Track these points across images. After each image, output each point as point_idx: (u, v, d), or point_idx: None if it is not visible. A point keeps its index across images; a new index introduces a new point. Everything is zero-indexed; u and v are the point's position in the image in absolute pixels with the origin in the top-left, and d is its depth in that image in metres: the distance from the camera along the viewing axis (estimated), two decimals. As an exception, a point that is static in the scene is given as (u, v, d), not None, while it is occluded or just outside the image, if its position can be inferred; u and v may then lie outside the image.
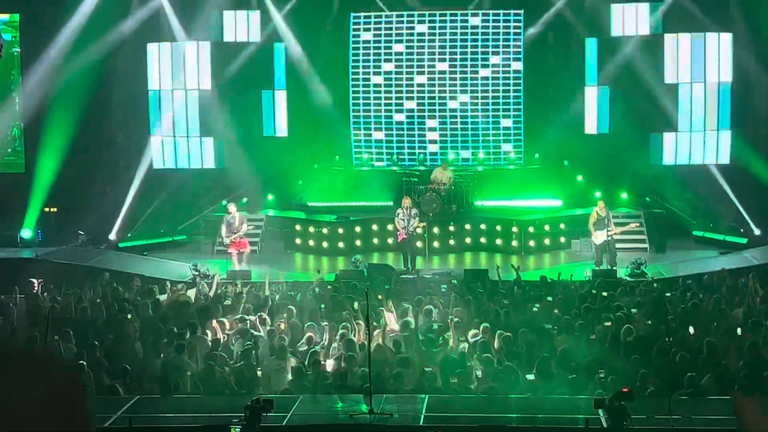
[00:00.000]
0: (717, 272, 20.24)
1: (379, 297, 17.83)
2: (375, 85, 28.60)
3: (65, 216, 25.92)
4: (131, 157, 27.55)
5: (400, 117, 28.62)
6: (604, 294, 18.33)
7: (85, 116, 25.44)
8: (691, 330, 15.62)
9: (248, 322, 16.58)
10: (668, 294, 18.13)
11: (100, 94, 26.00)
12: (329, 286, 19.81)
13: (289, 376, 14.33)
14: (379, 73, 28.55)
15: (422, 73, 28.41)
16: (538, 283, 19.76)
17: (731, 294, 18.35)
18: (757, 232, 24.93)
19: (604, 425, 11.51)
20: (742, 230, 25.20)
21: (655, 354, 14.49)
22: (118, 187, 26.72)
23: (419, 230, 23.61)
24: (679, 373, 13.77)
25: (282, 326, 16.24)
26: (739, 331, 15.67)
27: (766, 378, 13.72)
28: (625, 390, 11.04)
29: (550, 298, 18.10)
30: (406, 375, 14.05)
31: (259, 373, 14.43)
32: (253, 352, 15.02)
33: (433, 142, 28.54)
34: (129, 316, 17.07)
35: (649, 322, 16.12)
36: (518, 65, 28.18)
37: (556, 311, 17.27)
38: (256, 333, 16.13)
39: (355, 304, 17.53)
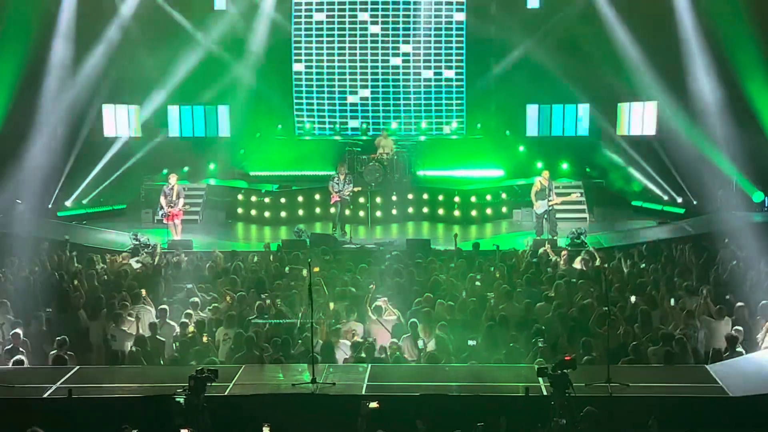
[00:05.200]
0: (654, 242, 20.53)
1: (316, 269, 17.69)
2: (317, 54, 28.46)
3: (2, 184, 25.48)
4: (71, 124, 27.16)
5: (342, 86, 28.54)
6: (549, 270, 18.43)
7: (23, 82, 25.01)
8: (633, 299, 15.87)
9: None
10: (606, 265, 18.34)
11: (38, 58, 25.56)
12: (270, 257, 19.75)
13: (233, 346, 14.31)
14: (321, 43, 28.41)
15: (365, 42, 28.32)
16: (476, 252, 19.88)
17: (669, 264, 18.63)
18: (694, 202, 25.35)
19: (544, 393, 11.67)
20: (680, 200, 25.58)
21: (594, 322, 14.70)
22: (57, 155, 26.33)
23: (351, 194, 23.74)
24: (617, 341, 14.00)
25: (228, 298, 16.19)
26: (672, 301, 15.92)
27: (697, 347, 14.04)
28: (567, 358, 11.22)
29: (492, 268, 18.23)
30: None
31: (205, 340, 14.38)
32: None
33: (376, 111, 28.51)
34: (75, 283, 16.94)
35: (592, 290, 16.33)
36: (461, 36, 28.21)
37: (497, 277, 17.47)
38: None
39: (304, 272, 17.50)
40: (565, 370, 10.91)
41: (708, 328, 14.82)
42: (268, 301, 15.90)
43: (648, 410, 11.27)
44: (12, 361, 13.55)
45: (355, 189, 23.85)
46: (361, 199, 24.84)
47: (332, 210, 23.93)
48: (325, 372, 12.70)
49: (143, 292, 16.41)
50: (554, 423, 10.77)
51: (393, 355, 13.85)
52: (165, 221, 22.79)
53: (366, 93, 28.52)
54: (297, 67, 28.51)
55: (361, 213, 25.07)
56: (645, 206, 26.20)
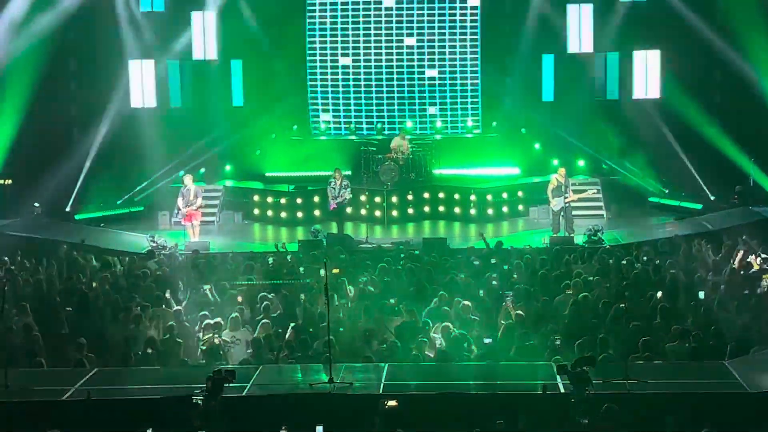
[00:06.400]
0: (671, 238, 20.46)
1: (335, 271, 17.72)
2: (332, 54, 28.41)
3: (20, 188, 25.62)
4: (86, 127, 27.30)
5: (358, 86, 28.49)
6: (566, 270, 18.33)
7: (38, 87, 25.12)
8: (659, 294, 15.81)
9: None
10: (624, 261, 18.28)
11: (53, 65, 25.66)
12: (289, 256, 19.76)
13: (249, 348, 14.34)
14: (336, 42, 28.36)
15: (379, 41, 28.28)
16: (496, 251, 19.83)
17: (687, 259, 18.56)
18: (711, 198, 25.23)
19: (562, 390, 11.64)
20: (697, 196, 25.47)
21: (611, 319, 14.66)
22: (73, 159, 26.45)
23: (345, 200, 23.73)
24: (634, 337, 13.95)
25: (239, 298, 16.23)
26: (701, 294, 15.87)
27: (715, 343, 13.97)
28: (586, 355, 11.19)
29: (506, 267, 18.19)
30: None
31: (217, 341, 14.40)
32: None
33: (391, 110, 28.44)
34: (94, 285, 17.00)
35: (607, 286, 16.29)
36: (475, 34, 28.12)
37: (514, 277, 17.42)
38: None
39: (321, 272, 17.50)
40: (584, 368, 10.87)
41: (726, 323, 14.75)
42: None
43: (666, 407, 11.23)
44: (31, 363, 13.62)
45: (348, 196, 23.81)
46: (377, 199, 24.77)
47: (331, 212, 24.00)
48: (342, 372, 12.71)
49: (162, 293, 16.47)
50: (576, 422, 10.74)
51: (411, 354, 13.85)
52: (183, 222, 22.85)
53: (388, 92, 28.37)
54: (312, 66, 28.40)
55: (378, 213, 25.04)
56: (662, 202, 26.08)
